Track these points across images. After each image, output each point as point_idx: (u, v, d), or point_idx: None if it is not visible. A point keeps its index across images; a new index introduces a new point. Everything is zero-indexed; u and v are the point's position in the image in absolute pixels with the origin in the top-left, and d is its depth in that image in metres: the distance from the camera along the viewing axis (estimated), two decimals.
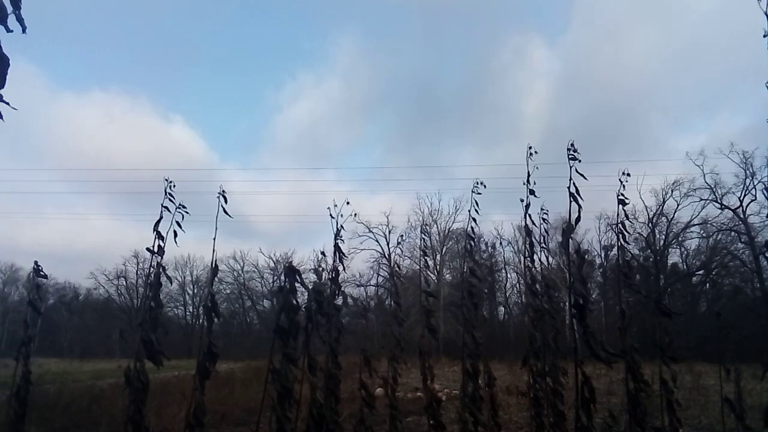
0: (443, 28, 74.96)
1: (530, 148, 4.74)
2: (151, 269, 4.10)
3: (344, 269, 4.88)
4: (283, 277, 3.98)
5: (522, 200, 4.84)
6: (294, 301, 3.85)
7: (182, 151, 73.03)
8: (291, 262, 4.27)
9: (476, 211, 5.24)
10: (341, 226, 4.87)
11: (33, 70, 75.93)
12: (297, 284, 4.02)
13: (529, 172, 4.74)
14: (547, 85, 68.93)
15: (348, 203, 4.86)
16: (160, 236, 4.13)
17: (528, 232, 4.98)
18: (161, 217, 4.16)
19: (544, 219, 5.43)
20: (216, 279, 4.47)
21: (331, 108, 76.63)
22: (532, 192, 4.77)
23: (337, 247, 4.87)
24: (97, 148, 70.95)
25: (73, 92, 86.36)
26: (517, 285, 41.44)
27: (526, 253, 5.17)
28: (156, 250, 4.09)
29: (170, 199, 4.20)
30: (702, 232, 36.33)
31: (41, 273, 4.72)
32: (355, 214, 4.97)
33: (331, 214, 4.83)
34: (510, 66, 70.45)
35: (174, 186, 4.27)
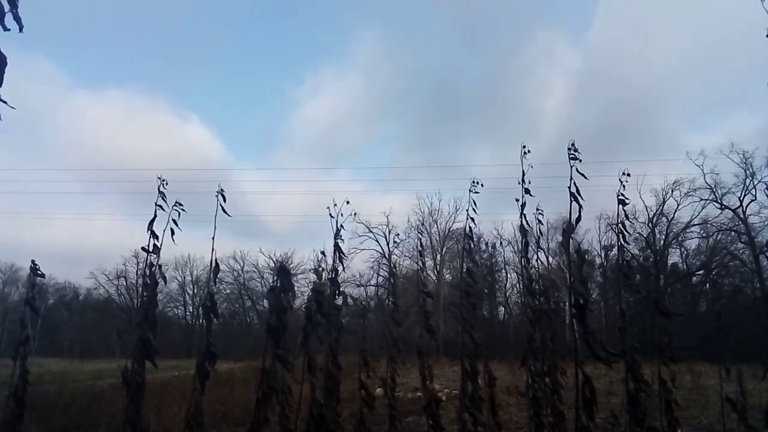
0: (467, 25, 74.30)
1: (524, 147, 4.77)
2: (146, 269, 4.10)
3: (344, 269, 4.87)
4: (275, 278, 3.98)
5: (517, 200, 4.83)
6: (286, 301, 3.84)
7: (197, 150, 72.90)
8: (283, 262, 4.28)
9: (474, 210, 5.23)
10: (341, 225, 4.86)
11: (52, 68, 76.44)
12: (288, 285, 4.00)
13: (523, 171, 4.76)
14: (568, 82, 68.24)
15: (348, 203, 4.85)
16: (154, 235, 4.13)
17: (524, 232, 4.97)
18: (155, 216, 4.16)
19: (539, 219, 5.41)
20: (216, 279, 4.46)
21: (350, 105, 76.44)
22: (527, 191, 4.77)
23: (337, 247, 4.86)
24: (111, 147, 70.68)
25: (90, 90, 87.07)
26: (517, 285, 41.46)
27: (522, 253, 5.17)
28: (151, 249, 4.08)
29: (163, 198, 4.20)
30: (702, 232, 36.35)
31: (39, 272, 4.71)
32: (355, 214, 4.96)
33: (330, 214, 4.82)
34: (532, 63, 70.09)
35: (167, 184, 4.26)
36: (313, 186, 60.39)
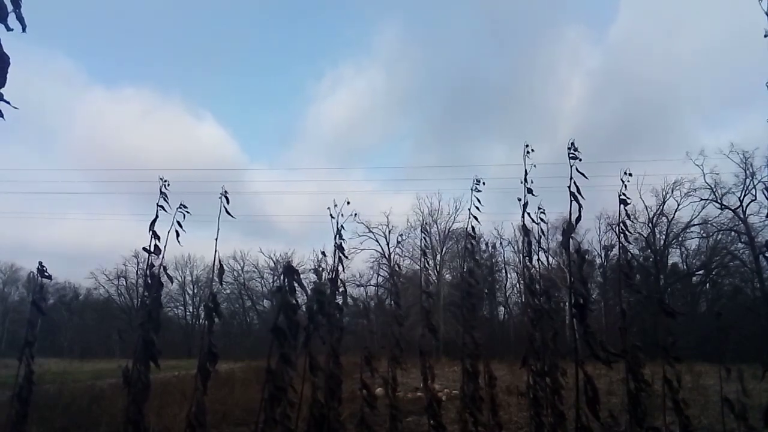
0: (489, 22, 72.32)
1: (527, 146, 4.75)
2: (147, 269, 4.10)
3: (344, 269, 4.87)
4: (282, 277, 3.97)
5: (519, 199, 4.83)
6: (294, 301, 3.85)
7: (211, 150, 72.00)
8: (290, 262, 4.27)
9: (478, 209, 5.22)
10: (341, 226, 4.86)
11: (70, 65, 77.12)
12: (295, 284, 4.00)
13: (526, 171, 4.73)
14: (588, 80, 66.81)
15: (348, 203, 4.85)
16: (156, 236, 4.14)
17: (526, 232, 4.97)
18: (157, 217, 4.17)
19: (542, 219, 5.42)
20: (221, 280, 4.46)
21: (368, 102, 75.00)
22: (530, 191, 4.77)
23: (338, 247, 4.86)
24: (124, 146, 69.97)
25: (105, 88, 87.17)
26: (517, 285, 41.48)
27: (525, 252, 5.17)
28: (153, 249, 4.09)
29: (165, 198, 4.21)
30: (702, 232, 36.38)
31: (45, 273, 4.71)
32: (356, 214, 4.96)
33: (331, 214, 4.82)
34: (552, 61, 68.74)
35: (169, 185, 4.26)
36: (326, 185, 59.67)
